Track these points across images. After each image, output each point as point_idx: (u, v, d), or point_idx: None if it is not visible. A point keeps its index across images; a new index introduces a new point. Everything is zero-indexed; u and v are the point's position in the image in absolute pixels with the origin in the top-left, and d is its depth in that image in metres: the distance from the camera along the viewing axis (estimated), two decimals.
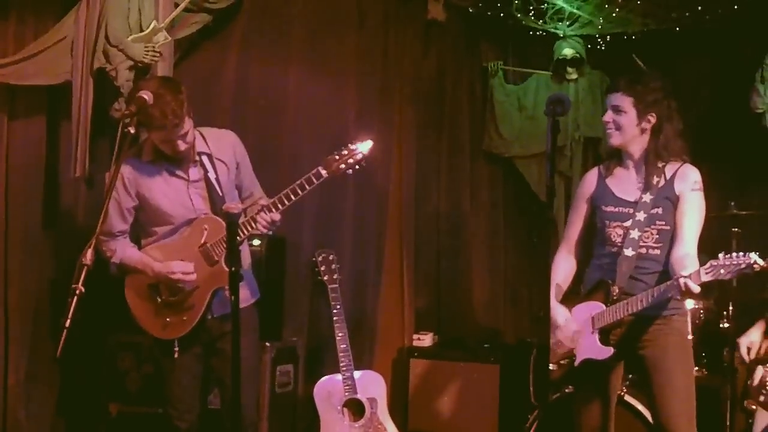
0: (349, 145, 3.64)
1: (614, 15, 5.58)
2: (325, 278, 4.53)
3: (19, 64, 4.49)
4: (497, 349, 5.60)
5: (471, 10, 5.89)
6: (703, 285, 3.26)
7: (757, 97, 5.39)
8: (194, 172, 3.70)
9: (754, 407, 3.65)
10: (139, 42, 4.51)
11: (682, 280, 3.26)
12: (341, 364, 4.44)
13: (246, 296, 3.82)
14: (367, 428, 4.44)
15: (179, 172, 3.69)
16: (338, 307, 4.47)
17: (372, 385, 4.54)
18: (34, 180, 4.69)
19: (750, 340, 3.97)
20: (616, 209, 3.67)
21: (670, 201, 3.60)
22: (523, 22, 5.84)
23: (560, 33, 5.85)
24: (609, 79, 5.99)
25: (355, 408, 4.49)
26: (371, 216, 5.68)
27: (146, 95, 3.36)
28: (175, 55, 4.77)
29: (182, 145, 3.59)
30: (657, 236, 3.61)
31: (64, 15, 4.57)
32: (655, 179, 3.61)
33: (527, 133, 6.12)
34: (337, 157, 3.62)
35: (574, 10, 5.65)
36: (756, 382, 3.68)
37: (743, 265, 3.18)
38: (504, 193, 6.37)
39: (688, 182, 3.60)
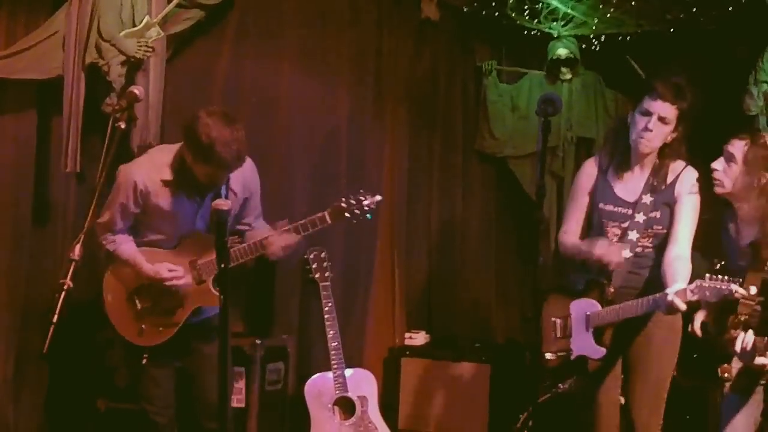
0: (359, 195, 3.62)
1: (608, 15, 5.57)
2: (317, 276, 4.50)
3: (10, 58, 4.47)
4: (488, 348, 5.60)
5: (465, 10, 5.87)
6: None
7: (750, 100, 5.38)
8: (208, 199, 3.64)
9: (726, 375, 3.57)
10: (132, 37, 4.50)
11: (669, 298, 3.31)
12: (332, 362, 4.42)
13: None
14: (357, 427, 4.43)
15: (197, 197, 3.64)
16: (329, 305, 4.45)
17: (363, 384, 4.52)
18: (24, 175, 4.66)
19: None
20: (615, 209, 3.66)
21: (668, 206, 3.61)
22: (518, 22, 5.82)
23: (554, 33, 5.84)
24: (603, 80, 6.01)
25: (346, 406, 4.47)
26: None
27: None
28: (168, 51, 4.77)
29: (223, 179, 3.56)
30: (653, 238, 3.63)
31: (55, 10, 4.56)
32: (658, 182, 3.61)
33: (520, 134, 6.10)
34: (344, 205, 3.61)
35: (569, 10, 5.65)
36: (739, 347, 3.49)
37: (726, 292, 3.23)
38: (496, 193, 6.36)
39: (687, 185, 3.61)
